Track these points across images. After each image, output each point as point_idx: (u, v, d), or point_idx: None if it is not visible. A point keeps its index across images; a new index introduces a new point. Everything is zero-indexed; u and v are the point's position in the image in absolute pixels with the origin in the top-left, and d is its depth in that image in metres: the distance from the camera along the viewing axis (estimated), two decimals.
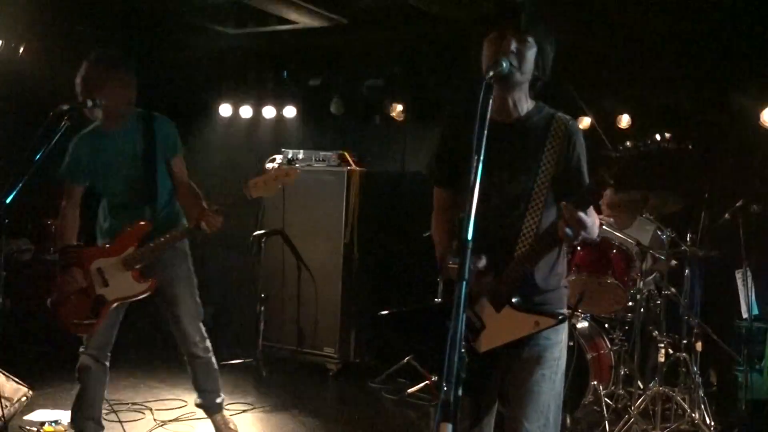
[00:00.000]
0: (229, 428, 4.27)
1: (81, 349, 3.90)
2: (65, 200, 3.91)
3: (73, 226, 3.91)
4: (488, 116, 2.01)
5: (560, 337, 2.61)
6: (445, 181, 2.71)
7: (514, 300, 2.49)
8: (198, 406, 4.30)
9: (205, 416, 4.34)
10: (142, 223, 3.82)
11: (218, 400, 4.26)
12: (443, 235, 2.73)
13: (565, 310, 2.66)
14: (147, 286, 3.81)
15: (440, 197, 2.76)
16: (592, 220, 2.34)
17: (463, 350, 1.69)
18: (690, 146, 2.31)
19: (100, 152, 3.85)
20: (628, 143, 2.30)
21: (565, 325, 2.64)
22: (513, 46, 2.41)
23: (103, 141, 3.84)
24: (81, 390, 3.91)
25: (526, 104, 2.57)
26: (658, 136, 2.28)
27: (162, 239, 3.78)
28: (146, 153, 3.85)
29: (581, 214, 2.27)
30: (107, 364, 3.94)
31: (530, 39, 2.45)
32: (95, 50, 3.80)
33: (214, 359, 4.17)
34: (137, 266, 3.78)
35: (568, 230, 2.28)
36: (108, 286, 3.77)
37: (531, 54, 2.46)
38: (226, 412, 4.35)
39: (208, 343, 4.14)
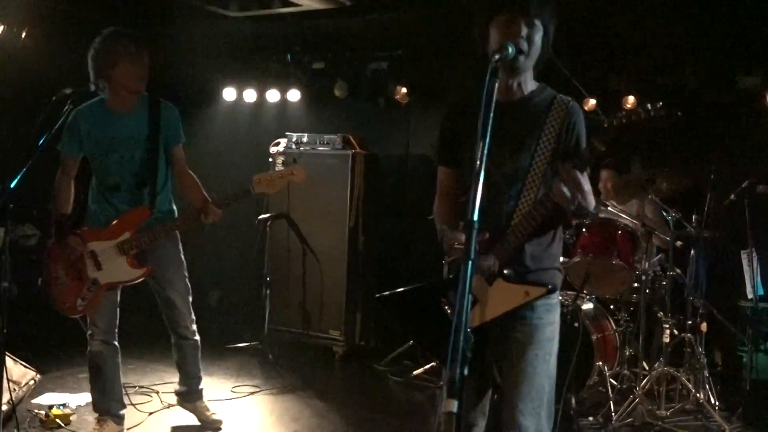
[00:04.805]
0: (212, 416, 4.25)
1: (88, 335, 3.89)
2: (60, 171, 3.87)
3: (68, 196, 3.86)
4: (494, 100, 1.99)
5: (553, 318, 2.59)
6: (449, 161, 2.71)
7: (505, 272, 2.49)
8: (178, 394, 4.26)
9: (210, 399, 4.37)
10: (143, 209, 3.78)
11: (201, 386, 4.25)
12: (446, 217, 2.70)
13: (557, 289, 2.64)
14: (141, 273, 3.78)
15: (444, 177, 2.75)
16: (589, 186, 2.36)
17: (469, 329, 1.68)
18: (679, 113, 2.31)
19: (103, 129, 3.77)
20: (621, 112, 2.32)
21: (558, 306, 2.62)
22: (524, 31, 2.40)
23: (107, 119, 3.78)
24: (98, 374, 3.90)
25: (529, 85, 2.57)
26: (649, 105, 2.29)
27: (160, 228, 3.76)
28: (150, 138, 3.82)
29: (579, 175, 2.27)
30: (117, 344, 3.94)
31: (538, 23, 2.43)
32: (107, 29, 3.76)
33: (199, 343, 4.17)
34: (132, 252, 3.74)
35: (565, 190, 2.29)
36: (101, 269, 3.74)
37: (538, 38, 2.45)
38: (230, 396, 4.35)
39: (196, 326, 4.14)
